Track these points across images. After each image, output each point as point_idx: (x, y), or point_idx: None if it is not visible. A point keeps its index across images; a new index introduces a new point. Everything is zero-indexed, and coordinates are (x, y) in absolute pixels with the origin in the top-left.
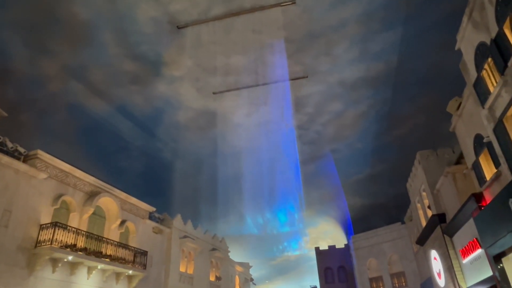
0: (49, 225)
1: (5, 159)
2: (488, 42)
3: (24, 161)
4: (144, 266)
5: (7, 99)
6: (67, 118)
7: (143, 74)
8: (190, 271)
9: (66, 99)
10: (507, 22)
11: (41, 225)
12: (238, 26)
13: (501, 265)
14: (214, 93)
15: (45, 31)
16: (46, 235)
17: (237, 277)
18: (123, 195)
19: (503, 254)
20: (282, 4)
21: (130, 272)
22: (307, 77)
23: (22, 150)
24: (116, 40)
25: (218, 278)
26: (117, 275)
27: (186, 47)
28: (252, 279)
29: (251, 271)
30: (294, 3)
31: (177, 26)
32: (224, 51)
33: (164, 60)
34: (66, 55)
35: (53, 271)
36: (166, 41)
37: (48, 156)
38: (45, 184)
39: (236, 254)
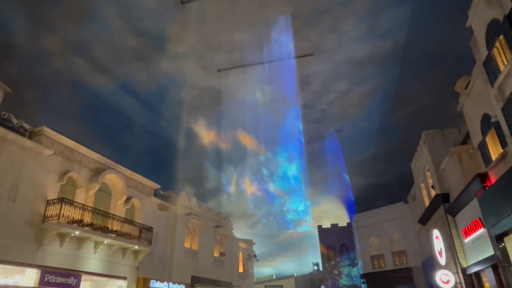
0: (55, 200)
1: (11, 135)
2: (501, 18)
3: (30, 138)
4: (150, 242)
5: (11, 75)
6: (70, 94)
7: (146, 50)
8: (195, 247)
9: (69, 75)
10: None
11: (48, 200)
12: (243, 1)
13: (502, 244)
14: (218, 70)
15: (47, 6)
16: (53, 210)
17: (240, 253)
18: (128, 172)
19: (505, 234)
20: None
21: (136, 247)
22: (313, 54)
23: (27, 126)
24: (119, 15)
25: (222, 254)
26: (124, 250)
27: (190, 22)
28: (255, 256)
29: (254, 248)
30: None
31: (181, 1)
32: (228, 27)
33: (168, 36)
34: (69, 30)
35: (61, 246)
36: (169, 16)
37: (53, 132)
38: (51, 161)
39: (239, 231)
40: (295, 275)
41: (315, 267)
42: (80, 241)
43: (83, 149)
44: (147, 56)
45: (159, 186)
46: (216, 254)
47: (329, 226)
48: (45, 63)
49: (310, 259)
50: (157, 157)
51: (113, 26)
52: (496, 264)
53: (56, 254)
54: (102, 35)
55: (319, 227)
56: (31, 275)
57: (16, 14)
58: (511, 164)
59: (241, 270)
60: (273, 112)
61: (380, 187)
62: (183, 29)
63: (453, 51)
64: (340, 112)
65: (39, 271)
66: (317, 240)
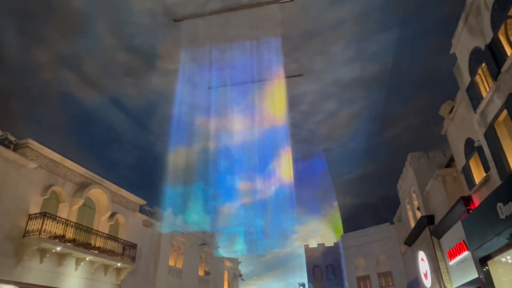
0: (38, 215)
1: None
2: (482, 47)
3: (14, 150)
4: (133, 259)
5: None
6: (58, 108)
7: (137, 66)
8: (179, 265)
9: (58, 88)
10: (502, 28)
11: (30, 215)
12: (235, 22)
13: (486, 267)
14: (209, 87)
15: (39, 18)
16: (34, 225)
17: (226, 272)
18: (113, 187)
19: (489, 257)
20: (280, 1)
21: (119, 264)
22: (302, 75)
23: (12, 138)
24: (111, 30)
25: (207, 273)
26: (106, 267)
27: (181, 40)
28: (241, 275)
29: (240, 267)
30: (292, 0)
31: (174, 19)
32: (220, 46)
33: (159, 52)
34: (60, 44)
35: (41, 262)
36: (161, 33)
37: (38, 145)
38: (35, 174)
39: (225, 250)
40: None
41: (301, 287)
42: (61, 257)
43: (68, 163)
44: (137, 71)
45: (144, 202)
46: (201, 273)
47: (316, 245)
48: (35, 75)
49: (297, 279)
50: (144, 172)
51: (105, 41)
52: (480, 287)
53: (36, 271)
54: (93, 50)
55: (306, 246)
56: None
57: (7, 25)
58: (494, 188)
59: None
60: (262, 130)
61: (367, 207)
62: (175, 46)
63: (438, 75)
64: (327, 132)
65: None
66: (303, 259)
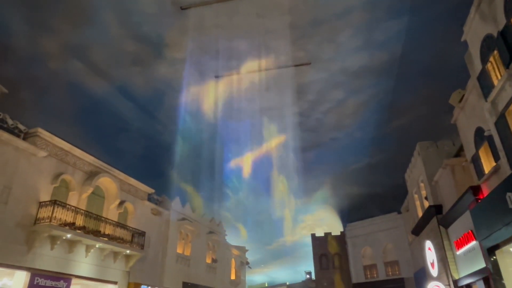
0: (48, 203)
1: (5, 136)
2: (495, 34)
3: (24, 139)
4: (142, 247)
5: (8, 76)
6: (67, 97)
7: (144, 55)
8: (187, 252)
9: (66, 77)
10: None
11: (40, 202)
12: (242, 10)
13: (494, 257)
14: (216, 76)
15: (47, 8)
16: (45, 212)
17: (233, 260)
18: (122, 175)
19: (497, 246)
20: None
21: (128, 252)
22: (310, 63)
23: (22, 127)
24: (118, 20)
25: (214, 261)
26: (115, 254)
27: (188, 29)
28: (248, 263)
29: (247, 255)
30: None
31: (181, 7)
32: (227, 34)
33: (166, 41)
34: (68, 33)
35: (52, 248)
36: (168, 22)
37: (48, 134)
38: (45, 162)
39: (232, 238)
40: (287, 283)
41: (308, 276)
42: (72, 244)
43: (77, 152)
44: (145, 60)
45: (153, 191)
46: (208, 261)
47: (323, 234)
48: (43, 65)
49: (303, 268)
50: (152, 161)
51: (112, 30)
52: (487, 276)
53: (47, 257)
54: (101, 39)
55: (313, 235)
56: (20, 278)
57: (15, 15)
58: (504, 177)
59: (233, 277)
60: (269, 120)
61: (374, 196)
62: (182, 35)
63: (449, 64)
64: (335, 121)
65: (29, 274)
66: (310, 248)
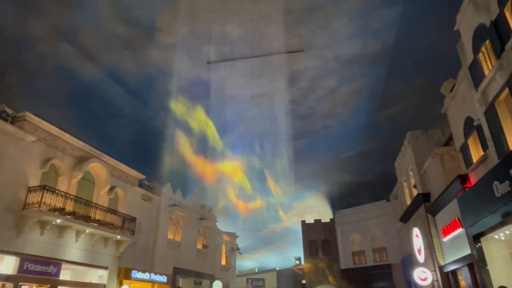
0: (37, 188)
1: None
2: (487, 24)
3: (12, 123)
4: (133, 232)
5: None
6: (56, 81)
7: (135, 39)
8: (178, 238)
9: (56, 61)
10: (509, 4)
11: (29, 187)
12: None
13: (479, 244)
14: (208, 62)
15: None
16: (34, 197)
17: (223, 246)
18: (112, 161)
19: (482, 234)
20: None
21: (119, 237)
22: (303, 50)
23: (10, 111)
24: (108, 1)
25: (205, 246)
26: (106, 239)
27: (181, 13)
28: (238, 249)
29: (237, 241)
30: None
31: None
32: (220, 19)
33: (158, 25)
34: (57, 15)
35: (41, 234)
36: (161, 5)
37: (36, 118)
38: (34, 147)
39: (223, 224)
40: (277, 269)
41: (297, 262)
42: (62, 229)
43: (67, 137)
44: (136, 45)
45: (143, 177)
46: (199, 246)
47: (313, 221)
48: (31, 47)
49: (293, 254)
50: (143, 147)
51: (103, 13)
52: (472, 263)
53: (36, 242)
54: (90, 22)
55: (303, 222)
56: (10, 263)
57: None
58: (491, 166)
59: (223, 262)
60: (261, 106)
61: (364, 184)
62: (174, 19)
63: (441, 53)
64: (327, 109)
65: (18, 259)
66: (300, 235)
